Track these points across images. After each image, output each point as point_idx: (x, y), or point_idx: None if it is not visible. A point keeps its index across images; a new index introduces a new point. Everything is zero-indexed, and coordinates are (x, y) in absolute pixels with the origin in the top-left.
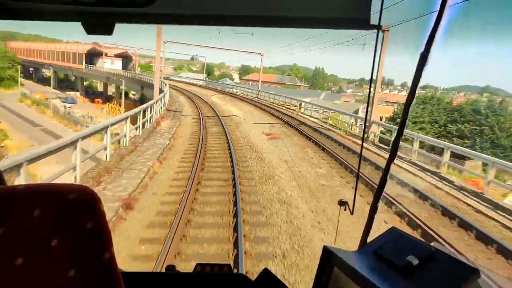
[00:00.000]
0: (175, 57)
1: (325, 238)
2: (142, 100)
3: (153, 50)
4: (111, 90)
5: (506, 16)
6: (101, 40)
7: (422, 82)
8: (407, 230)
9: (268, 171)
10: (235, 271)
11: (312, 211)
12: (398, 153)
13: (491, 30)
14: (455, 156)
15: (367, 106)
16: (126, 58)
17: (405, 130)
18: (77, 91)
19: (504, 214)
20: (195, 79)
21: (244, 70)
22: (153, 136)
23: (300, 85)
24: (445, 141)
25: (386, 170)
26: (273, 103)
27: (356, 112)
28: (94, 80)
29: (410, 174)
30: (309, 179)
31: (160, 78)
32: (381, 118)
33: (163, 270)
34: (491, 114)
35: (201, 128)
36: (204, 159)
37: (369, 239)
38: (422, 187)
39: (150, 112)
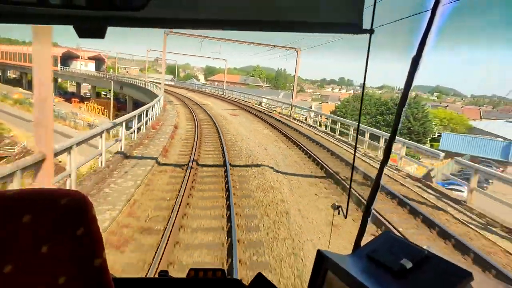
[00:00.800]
0: (138, 58)
1: (244, 132)
2: (118, 99)
3: (119, 52)
4: (82, 90)
5: (458, 21)
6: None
7: (379, 83)
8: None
9: (231, 125)
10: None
11: (245, 132)
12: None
13: (445, 34)
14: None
15: (360, 112)
16: (98, 61)
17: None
18: (57, 91)
19: (402, 175)
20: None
21: (210, 71)
22: (166, 113)
23: (262, 86)
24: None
25: (379, 174)
26: (236, 98)
27: (310, 107)
28: (64, 81)
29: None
30: (248, 126)
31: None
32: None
33: (156, 276)
34: (407, 107)
35: (190, 110)
36: (198, 121)
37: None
38: (362, 166)
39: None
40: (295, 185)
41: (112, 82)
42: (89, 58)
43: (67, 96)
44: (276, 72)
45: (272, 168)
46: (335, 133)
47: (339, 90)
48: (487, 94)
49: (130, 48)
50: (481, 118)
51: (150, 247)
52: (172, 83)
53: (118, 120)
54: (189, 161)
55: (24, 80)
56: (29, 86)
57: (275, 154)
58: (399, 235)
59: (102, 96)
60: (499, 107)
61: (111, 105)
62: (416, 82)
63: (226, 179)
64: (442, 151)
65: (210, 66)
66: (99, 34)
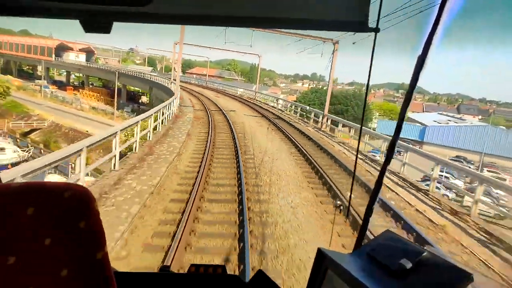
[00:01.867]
0: (116, 49)
1: (224, 103)
2: (109, 87)
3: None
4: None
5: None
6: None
7: (348, 79)
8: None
9: (218, 99)
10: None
11: (225, 103)
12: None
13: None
14: (334, 124)
15: (363, 109)
16: (88, 53)
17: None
18: (45, 80)
19: (348, 147)
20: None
21: (187, 64)
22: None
23: (237, 79)
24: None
25: (382, 173)
26: (217, 88)
27: (277, 100)
28: (51, 70)
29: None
30: (227, 101)
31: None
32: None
33: (157, 271)
34: (353, 98)
35: (192, 94)
36: (200, 98)
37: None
38: (322, 142)
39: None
40: (248, 118)
41: (116, 73)
42: (80, 50)
43: (58, 85)
44: (250, 67)
45: (238, 111)
46: (277, 105)
47: (309, 85)
48: (451, 92)
49: (110, 39)
50: (423, 111)
51: (203, 139)
52: (155, 74)
53: (152, 110)
54: (206, 109)
55: (14, 69)
56: (19, 74)
57: (240, 108)
58: (400, 235)
59: (90, 85)
60: (455, 104)
61: (116, 95)
62: (384, 79)
63: (224, 114)
64: None
65: (187, 60)
66: (105, 29)
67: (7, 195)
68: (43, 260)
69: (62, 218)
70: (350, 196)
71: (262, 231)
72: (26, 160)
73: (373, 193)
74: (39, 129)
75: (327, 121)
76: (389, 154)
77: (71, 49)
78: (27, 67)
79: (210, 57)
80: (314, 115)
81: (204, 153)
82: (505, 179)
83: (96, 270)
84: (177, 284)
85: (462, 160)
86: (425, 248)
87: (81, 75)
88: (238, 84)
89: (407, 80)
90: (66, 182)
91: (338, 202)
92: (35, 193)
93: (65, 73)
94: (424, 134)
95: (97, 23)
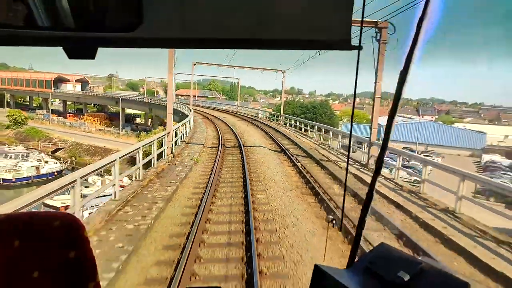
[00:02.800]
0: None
1: (219, 114)
2: (106, 112)
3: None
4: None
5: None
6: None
7: (325, 91)
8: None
9: (213, 112)
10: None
11: (220, 114)
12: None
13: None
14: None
15: (351, 120)
16: (83, 83)
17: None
18: (46, 110)
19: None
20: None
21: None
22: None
23: (219, 97)
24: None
25: (372, 185)
26: (205, 106)
27: (257, 113)
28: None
29: (275, 126)
30: (220, 113)
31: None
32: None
33: None
34: (320, 107)
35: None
36: (200, 113)
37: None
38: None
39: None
40: (236, 121)
41: (120, 99)
42: (76, 81)
43: (56, 114)
44: (230, 85)
45: (230, 118)
46: (258, 116)
47: (286, 98)
48: (426, 97)
49: (87, 66)
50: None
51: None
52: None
53: (176, 125)
54: (207, 116)
55: (12, 102)
56: (16, 106)
57: (230, 117)
58: (395, 247)
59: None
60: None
61: (120, 118)
62: (360, 89)
63: (219, 118)
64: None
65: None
66: (89, 55)
67: None
68: None
69: (50, 249)
70: (343, 210)
71: (246, 138)
72: (66, 169)
73: (364, 206)
74: (63, 148)
75: (283, 118)
76: (378, 165)
77: (68, 80)
78: (20, 99)
79: (189, 78)
80: (276, 117)
81: (217, 130)
82: (432, 156)
83: None
84: None
85: (407, 151)
86: (421, 259)
87: (72, 103)
88: (221, 101)
89: (384, 88)
90: (54, 211)
91: (331, 216)
92: (22, 223)
93: (56, 102)
94: (380, 133)
95: (82, 50)
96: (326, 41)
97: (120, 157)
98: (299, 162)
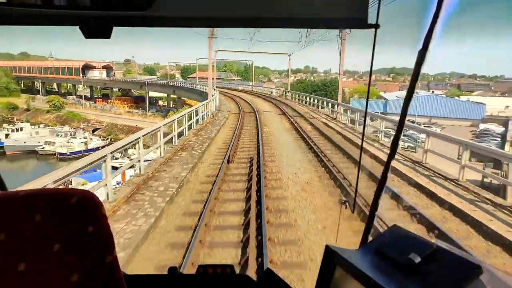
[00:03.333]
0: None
1: (237, 93)
2: (131, 96)
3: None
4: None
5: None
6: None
7: (325, 67)
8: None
9: (231, 92)
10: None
11: (238, 93)
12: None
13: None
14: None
15: (367, 99)
16: (108, 69)
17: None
18: (75, 96)
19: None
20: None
21: (185, 70)
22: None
23: (234, 79)
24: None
25: (386, 168)
26: (224, 87)
27: (271, 92)
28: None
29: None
30: (239, 92)
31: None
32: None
33: (166, 273)
34: (330, 85)
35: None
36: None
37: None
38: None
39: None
40: (252, 98)
41: (146, 83)
42: (102, 67)
43: (84, 99)
44: (244, 67)
45: (246, 95)
46: (271, 93)
47: (300, 77)
48: (446, 72)
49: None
50: (399, 90)
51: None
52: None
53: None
54: (230, 94)
55: (41, 89)
56: (46, 92)
57: (246, 95)
58: (408, 229)
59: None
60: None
61: (147, 101)
62: (378, 66)
63: (238, 96)
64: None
65: (186, 65)
66: (105, 34)
67: (16, 203)
68: (53, 266)
69: (70, 223)
70: (356, 191)
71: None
72: (106, 145)
73: (378, 189)
74: (100, 128)
75: (290, 94)
76: (393, 148)
77: (94, 67)
78: (48, 86)
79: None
80: (285, 94)
81: (237, 103)
82: (431, 127)
83: (106, 274)
84: (186, 286)
85: (410, 123)
86: (433, 241)
87: (97, 88)
88: (236, 83)
89: (398, 64)
90: (71, 188)
91: (344, 198)
92: (42, 200)
93: (80, 88)
94: (386, 107)
95: (97, 29)
96: (340, 19)
97: (143, 135)
98: (292, 118)
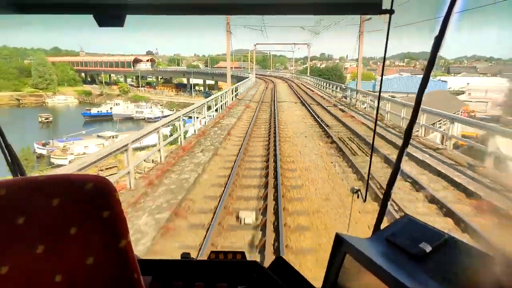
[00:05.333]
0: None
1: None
2: (174, 83)
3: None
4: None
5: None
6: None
7: (341, 54)
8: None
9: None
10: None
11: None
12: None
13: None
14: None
15: (380, 84)
16: (152, 62)
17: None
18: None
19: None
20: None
21: (211, 60)
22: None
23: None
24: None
25: (399, 157)
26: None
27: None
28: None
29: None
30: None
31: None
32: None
33: (179, 258)
34: (332, 70)
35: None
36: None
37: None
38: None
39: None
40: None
41: (192, 72)
42: (147, 60)
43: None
44: (262, 56)
45: (266, 78)
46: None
47: (314, 65)
48: (467, 55)
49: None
50: (397, 73)
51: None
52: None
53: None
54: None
55: (98, 80)
56: (100, 82)
57: (273, 78)
58: (420, 219)
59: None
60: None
61: (192, 86)
62: (394, 52)
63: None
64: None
65: (210, 55)
66: (118, 22)
67: (35, 188)
68: (70, 248)
69: (86, 208)
70: (368, 181)
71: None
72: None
73: (391, 178)
74: (162, 104)
75: (299, 76)
76: (406, 137)
77: (141, 60)
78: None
79: (223, 50)
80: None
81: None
82: (395, 97)
83: (120, 258)
84: (198, 271)
85: (389, 97)
86: (445, 232)
87: (142, 78)
88: (256, 71)
89: (412, 49)
90: (88, 174)
91: (356, 187)
92: (60, 185)
93: (125, 79)
94: (374, 87)
95: (110, 17)
96: (354, 4)
97: (183, 114)
98: (296, 88)
